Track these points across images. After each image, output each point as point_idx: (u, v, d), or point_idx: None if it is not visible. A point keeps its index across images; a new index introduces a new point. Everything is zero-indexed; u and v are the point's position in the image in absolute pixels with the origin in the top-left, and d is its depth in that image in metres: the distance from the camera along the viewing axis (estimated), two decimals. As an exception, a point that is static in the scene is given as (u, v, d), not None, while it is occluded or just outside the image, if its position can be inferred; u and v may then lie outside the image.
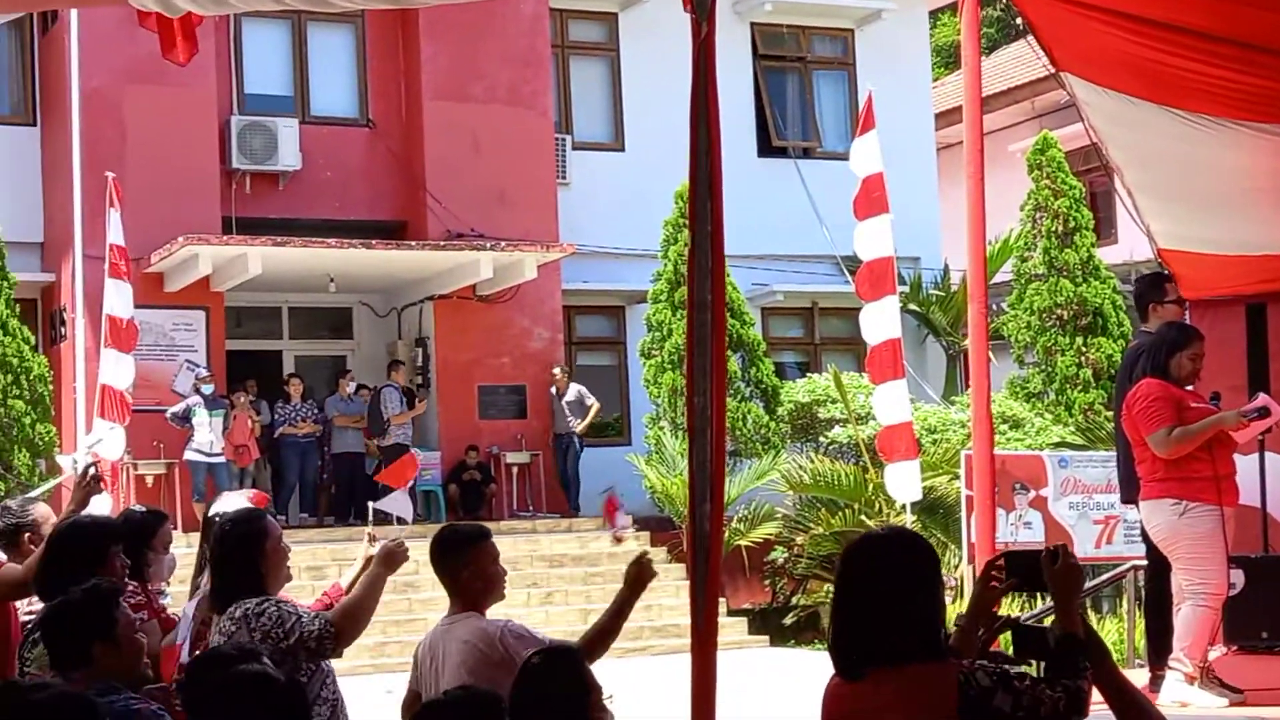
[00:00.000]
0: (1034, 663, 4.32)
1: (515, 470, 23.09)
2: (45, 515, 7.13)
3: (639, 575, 6.29)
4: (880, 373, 17.91)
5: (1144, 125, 8.44)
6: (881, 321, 17.96)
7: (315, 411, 21.81)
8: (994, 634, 4.51)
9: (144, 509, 6.98)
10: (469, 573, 5.97)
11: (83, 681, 4.45)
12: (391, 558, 6.10)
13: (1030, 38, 8.46)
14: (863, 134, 18.37)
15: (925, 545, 4.33)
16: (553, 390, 22.90)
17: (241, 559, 5.94)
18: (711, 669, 5.28)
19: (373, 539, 7.10)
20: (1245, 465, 9.11)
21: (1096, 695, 4.14)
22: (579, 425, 22.62)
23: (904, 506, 18.33)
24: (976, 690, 4.01)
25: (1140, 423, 8.18)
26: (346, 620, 5.86)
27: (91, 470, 6.70)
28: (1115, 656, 13.06)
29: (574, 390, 22.72)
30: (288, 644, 5.65)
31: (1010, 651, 4.42)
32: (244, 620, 5.74)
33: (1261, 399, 8.52)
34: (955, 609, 6.56)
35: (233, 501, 7.27)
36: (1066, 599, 4.23)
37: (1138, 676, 9.69)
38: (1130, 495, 8.82)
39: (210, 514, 7.33)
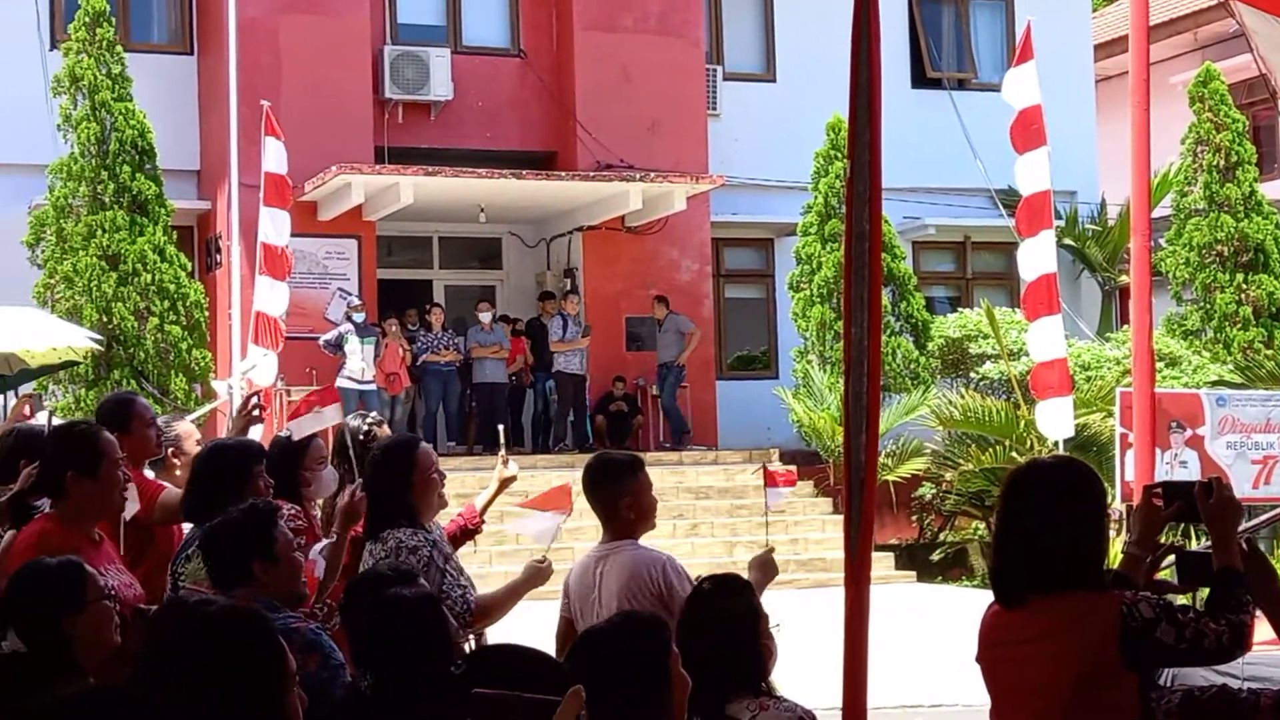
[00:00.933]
0: (1195, 594, 4.26)
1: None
2: (188, 432, 7.20)
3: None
4: (1035, 308, 17.62)
5: (1318, 54, 8.14)
6: (1038, 257, 17.64)
7: (456, 340, 21.93)
8: (1159, 560, 4.43)
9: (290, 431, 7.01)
10: (625, 502, 5.97)
11: (243, 599, 4.49)
12: (537, 575, 6.18)
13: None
14: (1019, 64, 17.98)
15: (1092, 474, 4.28)
16: (656, 320, 22.78)
17: (393, 486, 5.98)
18: (865, 602, 5.21)
19: (505, 461, 7.11)
20: None
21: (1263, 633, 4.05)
22: (681, 356, 22.46)
23: (1055, 444, 18.08)
24: (1139, 622, 3.97)
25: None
26: (484, 615, 5.99)
27: (253, 400, 6.74)
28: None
29: (672, 321, 22.58)
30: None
31: (1175, 579, 4.33)
32: (394, 553, 5.80)
33: None
34: (1116, 543, 6.45)
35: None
36: (1223, 532, 4.16)
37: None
38: None
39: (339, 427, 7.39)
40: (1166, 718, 3.98)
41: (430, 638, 4.26)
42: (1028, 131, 17.75)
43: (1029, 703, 4.13)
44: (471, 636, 5.92)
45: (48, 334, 15.11)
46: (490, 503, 7.13)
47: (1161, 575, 4.48)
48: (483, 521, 7.06)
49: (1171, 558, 4.42)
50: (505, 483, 7.06)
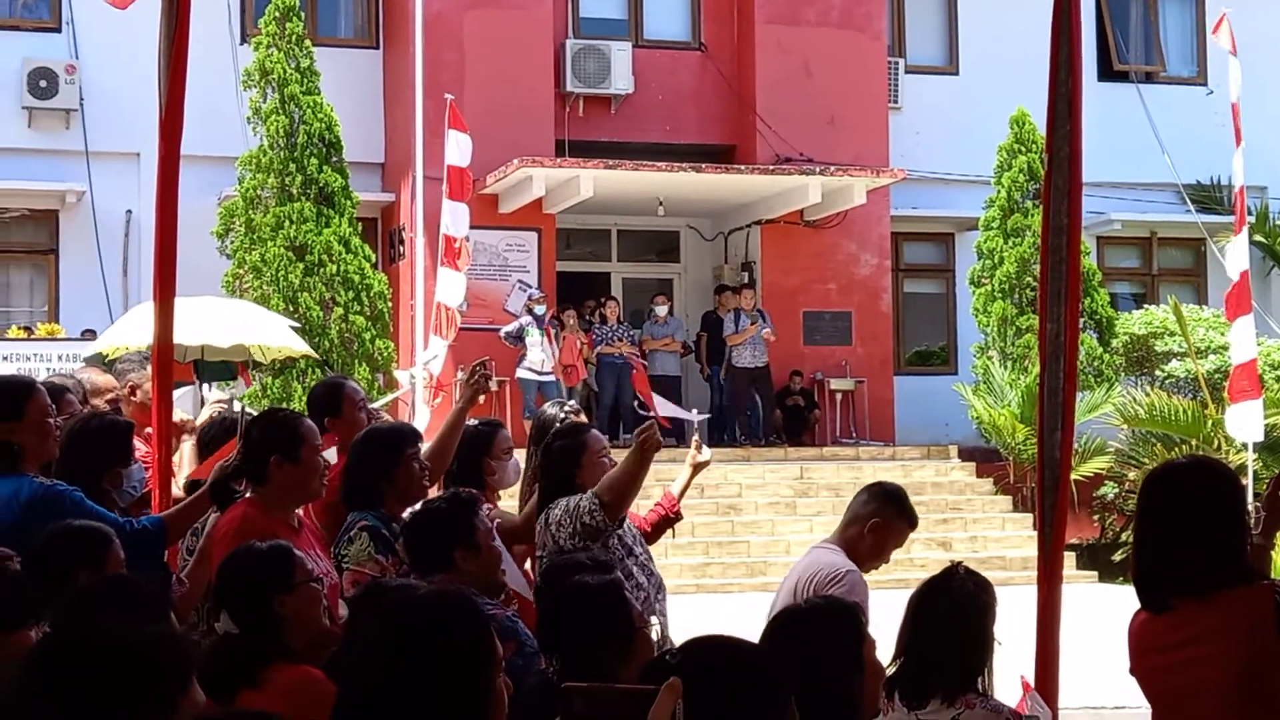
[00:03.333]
0: None
1: (839, 397, 22.97)
2: (145, 376, 7.29)
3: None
4: (1234, 309, 17.26)
5: None
6: (1237, 254, 17.30)
7: (631, 332, 22.00)
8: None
9: (478, 421, 7.08)
10: (882, 532, 5.97)
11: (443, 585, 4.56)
12: (649, 443, 6.08)
13: None
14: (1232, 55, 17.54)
15: (1228, 472, 4.24)
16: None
17: (562, 470, 6.08)
18: (1057, 600, 5.18)
19: (700, 447, 7.14)
20: None
21: None
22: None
23: (1243, 445, 17.70)
24: None
25: None
26: (607, 491, 5.97)
27: (480, 369, 6.78)
28: None
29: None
30: (572, 527, 5.89)
31: None
32: (546, 517, 6.01)
33: None
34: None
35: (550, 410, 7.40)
36: None
37: None
38: None
39: (536, 413, 7.50)
40: None
41: (610, 624, 4.30)
42: (1237, 127, 17.34)
43: (1195, 707, 4.07)
44: (657, 622, 5.94)
45: (272, 331, 15.50)
46: (685, 488, 7.20)
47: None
48: (680, 507, 7.11)
49: None
50: (698, 468, 7.13)
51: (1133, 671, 4.26)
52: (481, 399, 6.96)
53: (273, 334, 15.39)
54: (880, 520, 5.94)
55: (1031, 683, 5.18)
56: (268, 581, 4.32)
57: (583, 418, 7.50)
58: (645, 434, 6.04)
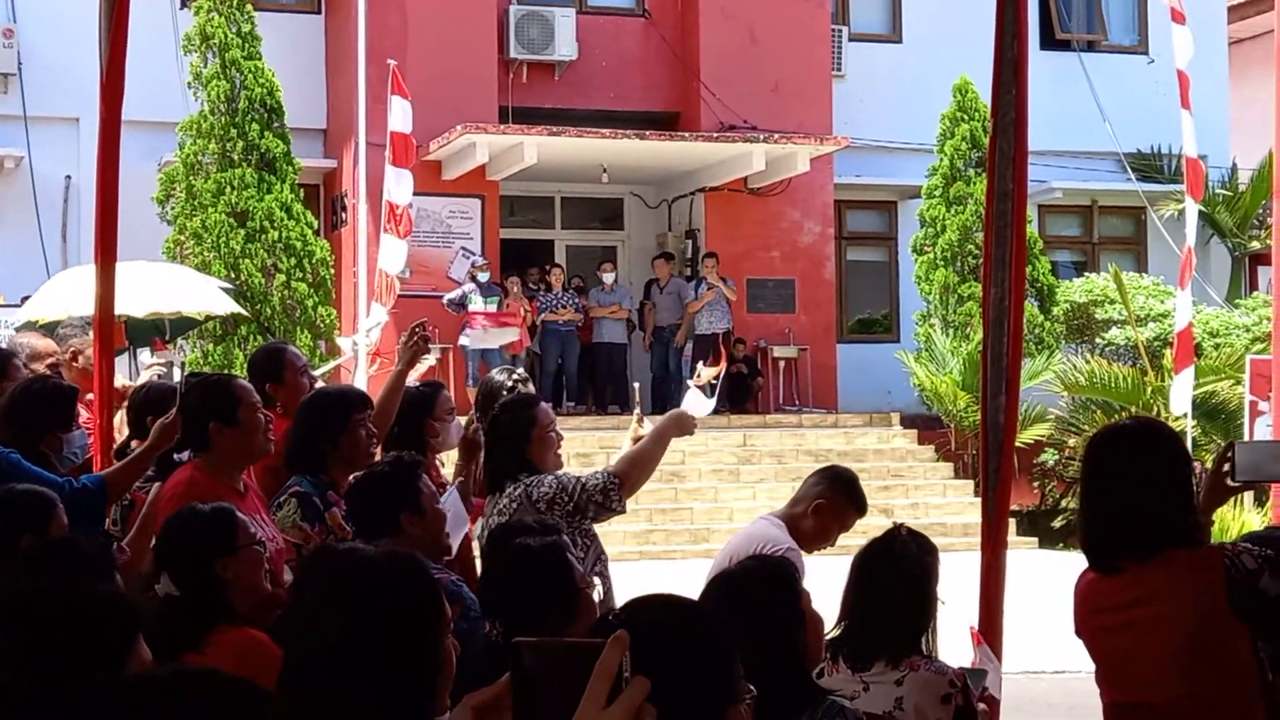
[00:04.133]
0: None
1: (782, 364, 23.04)
2: (86, 342, 7.24)
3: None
4: (1183, 275, 17.42)
5: None
6: (1190, 223, 17.46)
7: (575, 300, 22.00)
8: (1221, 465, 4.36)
9: (420, 383, 7.05)
10: (818, 505, 5.98)
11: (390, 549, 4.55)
12: (684, 423, 6.15)
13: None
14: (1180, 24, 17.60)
15: (1171, 433, 4.28)
16: (656, 282, 22.63)
17: (511, 442, 6.03)
18: (1002, 564, 5.21)
19: (641, 421, 7.11)
20: None
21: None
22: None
23: (1184, 414, 17.87)
24: (1242, 574, 3.92)
25: None
26: (632, 469, 5.95)
27: (419, 331, 6.74)
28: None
29: (675, 284, 22.46)
30: (574, 504, 5.79)
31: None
32: (525, 496, 5.86)
33: None
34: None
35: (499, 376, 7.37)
36: None
37: None
38: None
39: (482, 380, 7.47)
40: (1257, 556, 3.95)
41: (553, 586, 4.28)
42: (1185, 94, 17.41)
43: (1143, 668, 4.10)
44: (599, 583, 5.92)
45: (194, 294, 15.41)
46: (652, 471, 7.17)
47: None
48: None
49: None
50: (639, 441, 7.07)
51: (1078, 632, 4.29)
52: (425, 364, 6.91)
53: (200, 298, 15.29)
54: (825, 503, 5.94)
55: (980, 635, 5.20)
56: (210, 544, 4.31)
57: (530, 386, 7.47)
58: (683, 419, 6.10)
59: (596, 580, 5.47)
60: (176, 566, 4.30)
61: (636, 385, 8.97)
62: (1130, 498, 4.06)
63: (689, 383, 7.01)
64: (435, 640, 3.08)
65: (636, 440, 7.07)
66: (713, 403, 6.79)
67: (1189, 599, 3.96)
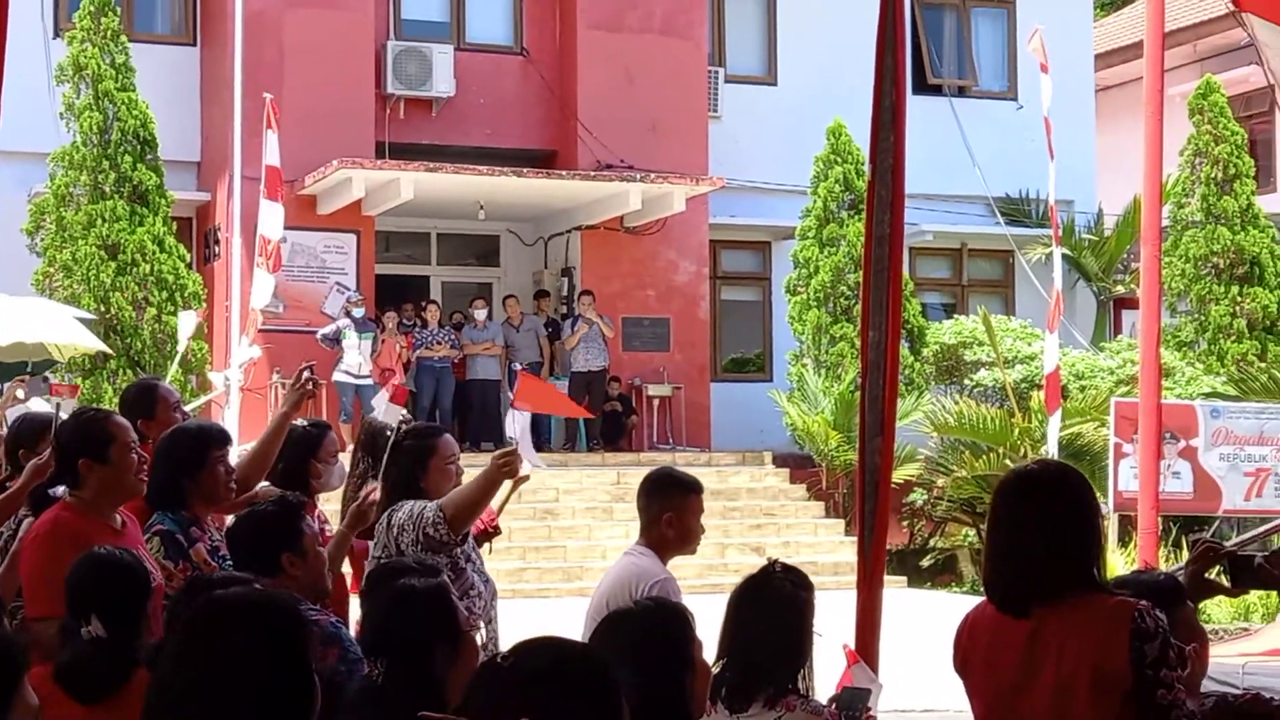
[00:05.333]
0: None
1: (656, 403, 23.13)
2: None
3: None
4: (1052, 319, 17.77)
5: (1328, 68, 8.19)
6: (1055, 268, 17.85)
7: (451, 336, 21.96)
8: (1207, 565, 4.41)
9: (306, 421, 7.01)
10: (669, 517, 5.94)
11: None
12: (505, 469, 6.05)
13: (1214, -25, 8.21)
14: (1044, 72, 18.00)
15: (1081, 478, 4.27)
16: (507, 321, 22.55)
17: (407, 472, 6.04)
18: (878, 603, 5.26)
19: (519, 459, 7.09)
20: None
21: None
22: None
23: (1046, 452, 18.17)
24: (1144, 630, 3.93)
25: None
26: (452, 506, 5.91)
27: (306, 373, 6.68)
28: (1265, 611, 12.76)
29: (531, 322, 22.55)
30: (416, 534, 5.80)
31: (1229, 583, 4.31)
32: (388, 518, 5.92)
33: None
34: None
35: (382, 403, 7.34)
36: None
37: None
38: None
39: (367, 420, 7.43)
40: None
41: (437, 627, 4.26)
42: (1050, 141, 17.79)
43: (1031, 709, 4.10)
44: (483, 626, 5.92)
45: (64, 329, 15.23)
46: (505, 503, 7.15)
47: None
48: (498, 520, 7.08)
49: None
50: (517, 483, 7.06)
51: (960, 668, 4.30)
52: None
53: (61, 331, 15.11)
54: (671, 512, 5.94)
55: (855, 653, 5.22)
56: (136, 588, 4.32)
57: None
58: (506, 461, 6.00)
59: (480, 623, 5.49)
60: (108, 610, 4.29)
61: (512, 421, 8.92)
62: (1036, 540, 4.06)
63: (510, 424, 6.98)
64: (303, 679, 3.10)
65: (516, 481, 7.08)
66: (531, 456, 6.71)
67: (1091, 645, 3.96)
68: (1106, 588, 4.08)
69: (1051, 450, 17.59)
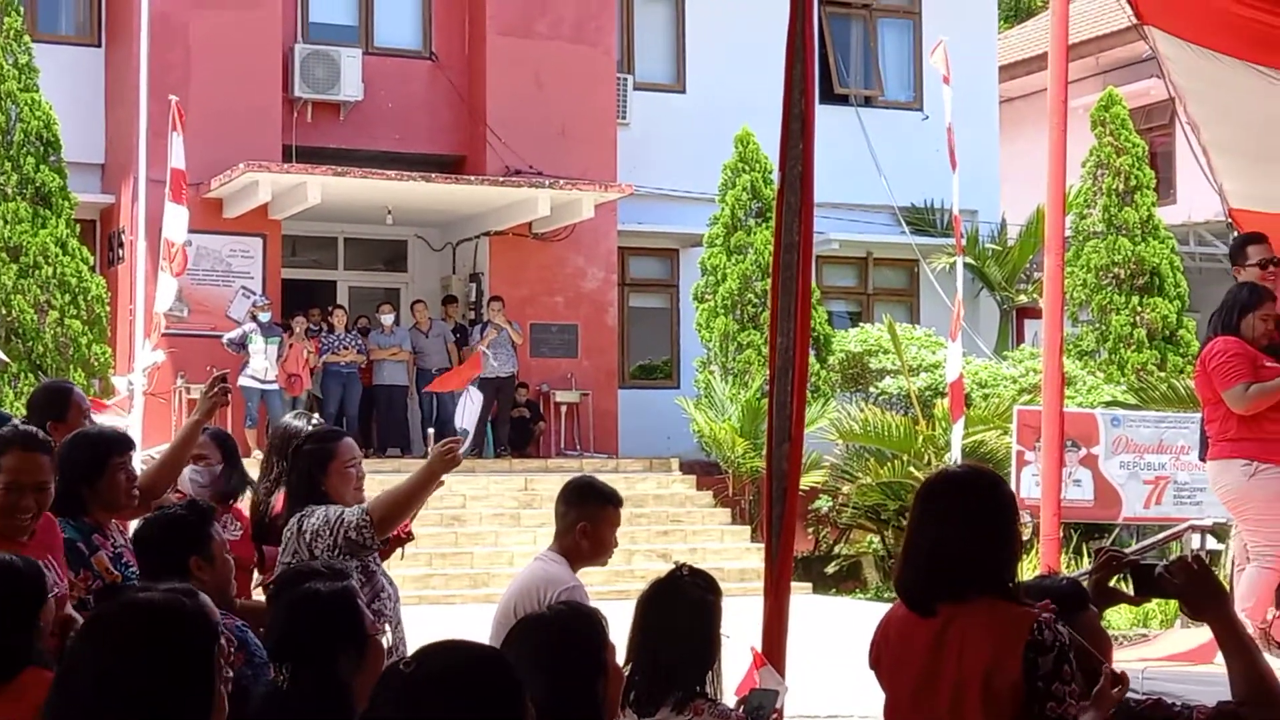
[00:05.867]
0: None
1: (564, 409, 23.14)
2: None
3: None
4: (954, 328, 17.93)
5: (1226, 82, 8.35)
6: (958, 277, 18.03)
7: (358, 341, 21.88)
8: (1110, 573, 4.45)
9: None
10: (583, 526, 5.94)
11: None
12: (448, 458, 5.88)
13: (1116, -10, 8.34)
14: (945, 83, 18.18)
15: (1002, 483, 4.31)
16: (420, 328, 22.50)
17: (308, 476, 6.00)
18: (784, 610, 5.30)
19: None
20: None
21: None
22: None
23: (950, 460, 18.34)
24: (1039, 642, 3.96)
25: (1216, 378, 8.14)
26: (382, 508, 5.83)
27: (220, 382, 6.64)
28: (1164, 618, 12.96)
29: (440, 327, 22.50)
30: (333, 540, 5.73)
31: (1131, 590, 4.34)
32: (298, 525, 5.84)
33: None
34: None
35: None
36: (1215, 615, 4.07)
37: (1192, 637, 9.69)
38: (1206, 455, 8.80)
39: (278, 425, 7.40)
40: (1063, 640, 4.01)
41: (343, 632, 4.24)
42: (952, 151, 17.96)
43: (932, 709, 4.15)
44: (389, 630, 5.90)
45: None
46: (416, 512, 7.13)
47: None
48: (411, 527, 7.05)
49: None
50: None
51: (874, 664, 4.35)
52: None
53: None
54: (586, 521, 5.93)
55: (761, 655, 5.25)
56: (29, 597, 4.26)
57: None
58: (449, 450, 5.86)
59: (386, 627, 5.47)
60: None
61: (431, 432, 8.95)
62: (954, 540, 4.11)
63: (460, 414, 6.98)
64: (207, 684, 3.11)
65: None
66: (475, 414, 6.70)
67: (987, 650, 4.01)
68: (1014, 595, 4.12)
69: (955, 457, 17.75)
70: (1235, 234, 9.28)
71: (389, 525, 5.89)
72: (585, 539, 5.93)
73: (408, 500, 5.93)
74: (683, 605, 4.76)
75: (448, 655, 3.02)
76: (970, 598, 4.08)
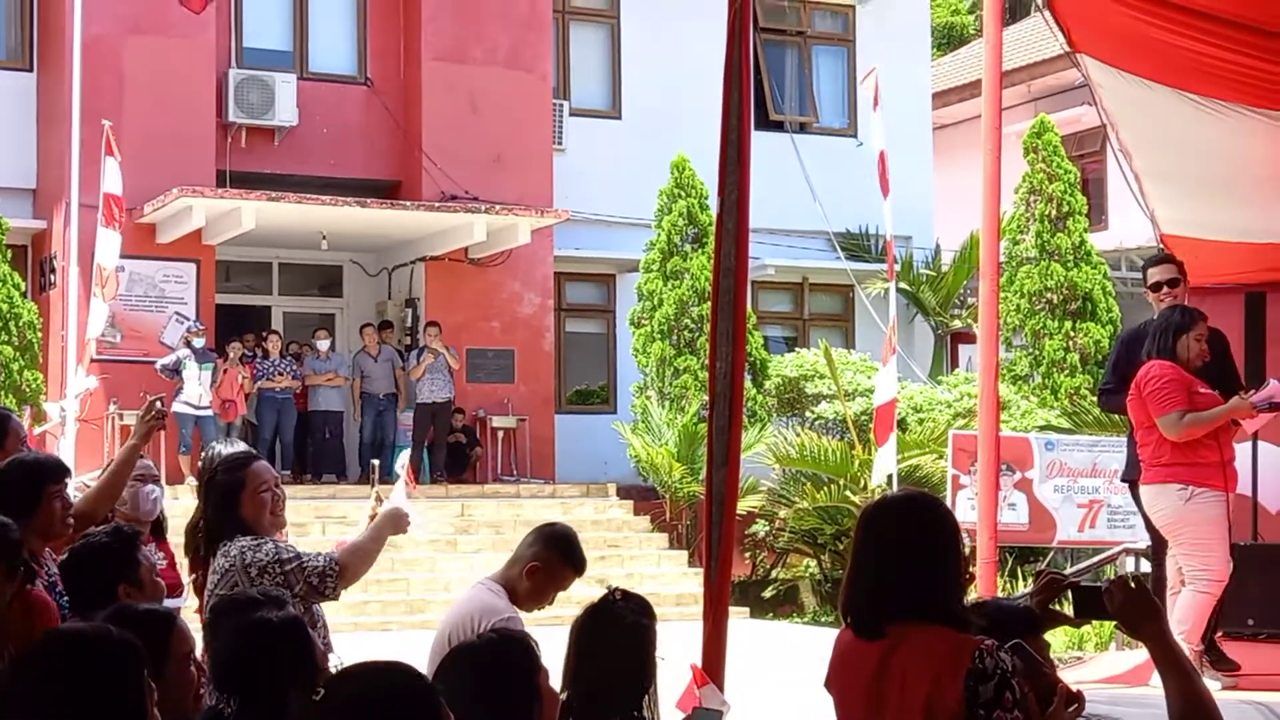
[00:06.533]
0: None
1: (501, 434, 23.10)
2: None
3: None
4: (886, 352, 18.04)
5: (1158, 109, 8.45)
6: (890, 302, 18.17)
7: (293, 367, 21.78)
8: (1051, 594, 4.46)
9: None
10: (533, 567, 5.90)
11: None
12: (399, 521, 6.04)
13: (1049, 16, 8.44)
14: (874, 109, 18.33)
15: (945, 509, 4.31)
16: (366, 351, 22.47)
17: (225, 501, 5.91)
18: (723, 634, 5.30)
19: (380, 499, 7.06)
20: (1238, 452, 9.11)
21: None
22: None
23: (888, 480, 18.43)
24: (981, 670, 3.96)
25: (1151, 404, 8.18)
26: (353, 559, 5.81)
27: (158, 405, 6.59)
28: (1098, 640, 13.04)
29: (388, 352, 22.47)
30: (284, 578, 5.62)
31: (1071, 612, 4.35)
32: (239, 557, 5.68)
33: (1273, 386, 8.52)
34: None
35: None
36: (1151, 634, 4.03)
37: (1126, 659, 9.76)
38: (1132, 475, 8.85)
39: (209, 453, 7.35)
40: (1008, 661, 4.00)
41: (296, 662, 4.21)
42: (884, 177, 18.08)
43: None
44: (337, 659, 5.85)
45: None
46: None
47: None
48: None
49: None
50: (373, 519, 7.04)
51: (827, 685, 4.35)
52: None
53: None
54: (539, 565, 5.88)
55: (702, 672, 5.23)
56: None
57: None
58: (398, 517, 5.98)
59: (333, 658, 5.42)
60: None
61: (376, 463, 8.93)
62: (895, 566, 4.11)
63: (398, 471, 6.90)
64: (138, 710, 3.10)
65: (373, 518, 7.04)
66: (416, 512, 6.64)
67: (928, 677, 4.00)
68: (959, 620, 4.13)
69: (878, 482, 17.83)
70: (1130, 261, 9.41)
71: (354, 578, 5.85)
72: (529, 580, 5.87)
73: (368, 555, 5.91)
74: (616, 630, 4.74)
75: (361, 676, 3.03)
76: (913, 623, 4.08)
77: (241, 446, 7.37)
